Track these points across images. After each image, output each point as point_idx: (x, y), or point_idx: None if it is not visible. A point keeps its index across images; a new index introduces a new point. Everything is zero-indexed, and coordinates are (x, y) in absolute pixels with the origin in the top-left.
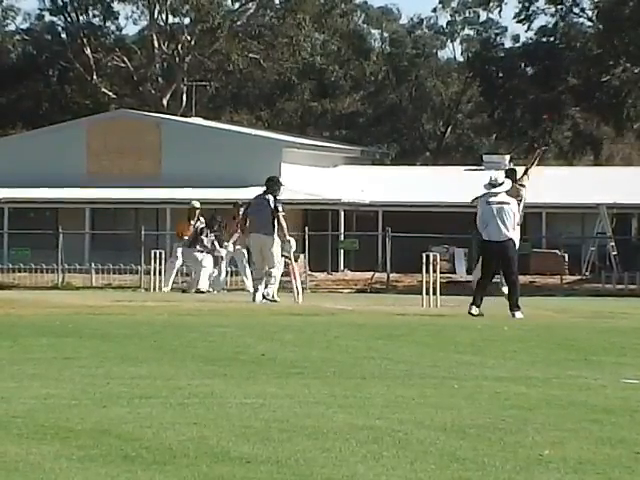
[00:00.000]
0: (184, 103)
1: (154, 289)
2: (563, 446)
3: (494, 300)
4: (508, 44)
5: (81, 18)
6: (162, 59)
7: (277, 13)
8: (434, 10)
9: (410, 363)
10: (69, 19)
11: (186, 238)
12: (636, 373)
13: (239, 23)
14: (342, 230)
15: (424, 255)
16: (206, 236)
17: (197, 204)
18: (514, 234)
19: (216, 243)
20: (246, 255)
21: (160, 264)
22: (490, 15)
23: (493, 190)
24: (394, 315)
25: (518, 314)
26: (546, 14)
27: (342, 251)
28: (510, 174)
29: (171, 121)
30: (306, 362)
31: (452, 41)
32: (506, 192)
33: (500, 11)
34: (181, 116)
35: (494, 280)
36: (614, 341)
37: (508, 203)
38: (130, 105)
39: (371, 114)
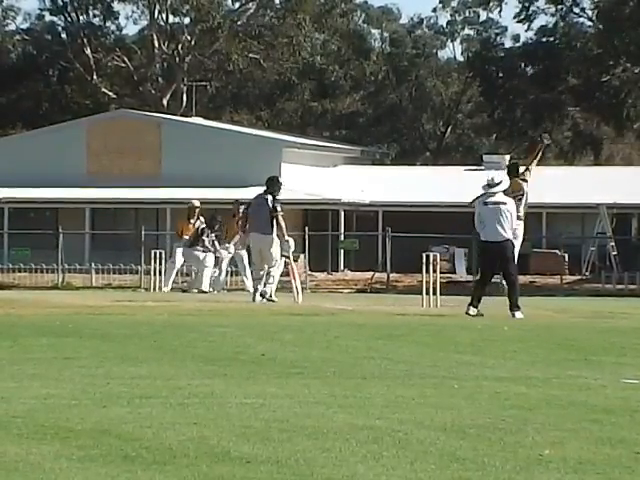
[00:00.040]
0: (184, 103)
1: (154, 289)
2: (563, 446)
3: (494, 300)
4: (508, 44)
5: (81, 18)
6: (162, 59)
7: (277, 13)
8: (434, 10)
9: (410, 363)
10: (69, 19)
11: (186, 237)
12: (636, 373)
13: (239, 23)
14: (342, 230)
15: (424, 255)
16: (207, 236)
17: (197, 203)
18: (519, 228)
19: (217, 243)
20: (246, 255)
21: (160, 264)
22: (490, 15)
23: (490, 190)
24: (394, 315)
25: (518, 314)
26: (546, 14)
27: (342, 251)
28: (512, 168)
29: (171, 121)
30: (306, 362)
31: (452, 41)
32: (509, 185)
33: (500, 11)
34: (181, 116)
35: (493, 280)
36: (614, 341)
37: (505, 203)
38: (130, 105)
39: (371, 114)
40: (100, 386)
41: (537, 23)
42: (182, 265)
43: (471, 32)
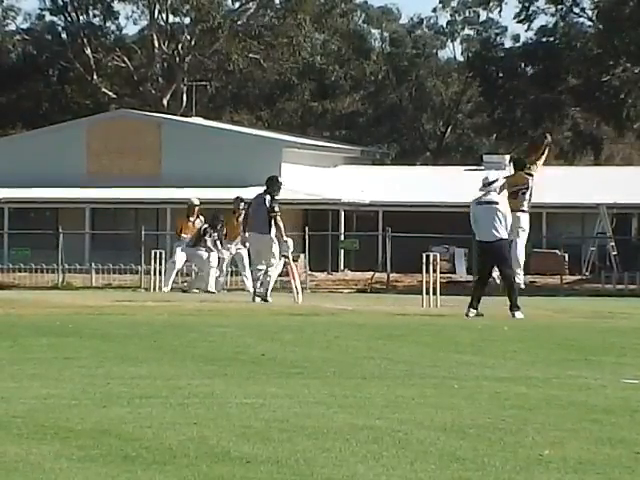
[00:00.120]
0: (184, 103)
1: (154, 289)
2: (563, 446)
3: (494, 300)
4: (508, 44)
5: (81, 18)
6: (162, 59)
7: (277, 13)
8: (434, 10)
9: (410, 363)
10: (69, 19)
11: (184, 236)
12: (636, 373)
13: (239, 23)
14: (342, 230)
15: (424, 255)
16: (209, 236)
17: (196, 201)
18: (524, 221)
19: (219, 243)
20: (246, 255)
21: (160, 264)
22: (490, 15)
23: (485, 190)
24: (394, 315)
25: (518, 314)
26: (546, 14)
27: (342, 251)
28: (517, 162)
29: (171, 121)
30: (306, 362)
31: (452, 41)
32: (514, 178)
33: (500, 11)
34: (181, 116)
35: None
36: (614, 341)
37: (497, 203)
38: (130, 105)
39: (371, 114)
40: (100, 386)
41: (537, 23)
42: (182, 265)
43: (471, 32)
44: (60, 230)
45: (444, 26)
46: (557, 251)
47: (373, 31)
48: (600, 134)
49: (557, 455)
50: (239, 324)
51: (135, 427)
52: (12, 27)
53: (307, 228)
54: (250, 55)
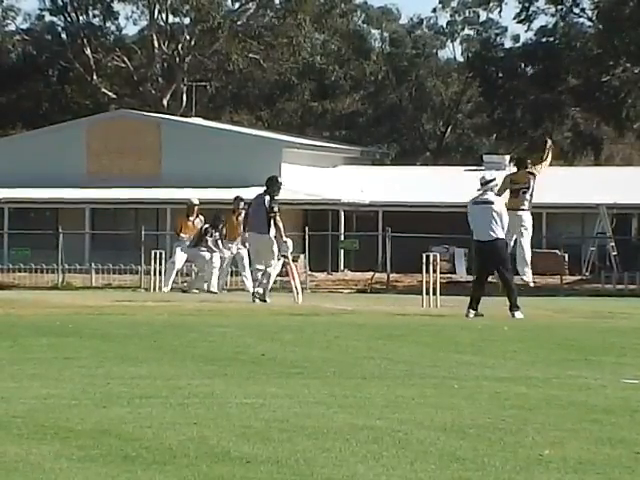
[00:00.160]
0: (184, 103)
1: (154, 289)
2: (563, 446)
3: (493, 300)
4: (508, 44)
5: (81, 18)
6: (162, 59)
7: (277, 13)
8: (434, 10)
9: (410, 363)
10: (69, 19)
11: (182, 235)
12: (636, 373)
13: (239, 23)
14: (342, 230)
15: (424, 255)
16: (210, 235)
17: (196, 200)
18: (527, 220)
19: (220, 243)
20: (247, 255)
21: (160, 264)
22: (490, 15)
23: (482, 189)
24: (394, 315)
25: (517, 314)
26: (546, 14)
27: (342, 251)
28: (520, 161)
29: (171, 121)
30: (306, 362)
31: (452, 41)
32: (516, 176)
33: (500, 11)
34: (181, 116)
35: (490, 280)
36: (614, 341)
37: (492, 202)
38: (130, 105)
39: (371, 114)
40: (100, 386)
41: (537, 23)
42: (182, 265)
43: (471, 32)
44: (60, 230)
45: (444, 26)
46: (557, 251)
47: (373, 31)
48: (600, 134)
49: (557, 455)
50: (239, 324)
51: (135, 427)
52: (12, 27)
53: (307, 228)
54: (250, 55)
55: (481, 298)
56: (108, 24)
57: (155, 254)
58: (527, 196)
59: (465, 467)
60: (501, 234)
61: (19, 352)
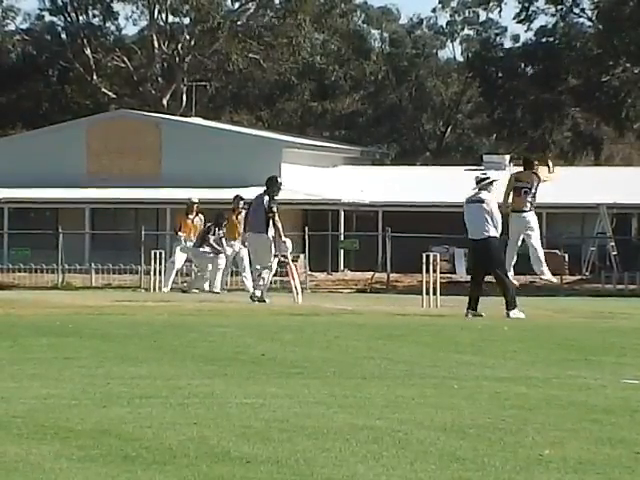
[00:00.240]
0: (184, 103)
1: (154, 289)
2: (563, 446)
3: (493, 300)
4: (508, 44)
5: (81, 18)
6: (162, 59)
7: (277, 13)
8: (434, 10)
9: (410, 363)
10: (69, 19)
11: (181, 234)
12: (636, 373)
13: (239, 23)
14: (342, 230)
15: (424, 255)
16: (213, 234)
17: (195, 199)
18: (532, 219)
19: (224, 241)
20: (247, 255)
21: (160, 264)
22: (490, 15)
23: (476, 188)
24: (394, 315)
25: (513, 313)
26: (546, 14)
27: (342, 251)
28: (527, 162)
29: (171, 121)
30: (306, 362)
31: (452, 41)
32: (517, 175)
33: (500, 11)
34: (181, 116)
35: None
36: (614, 341)
37: (483, 201)
38: (130, 105)
39: (371, 114)
40: (100, 386)
41: (537, 23)
42: (182, 265)
43: (471, 32)
44: (60, 230)
45: (444, 26)
46: (557, 251)
47: (373, 31)
48: (600, 134)
49: (557, 455)
50: (239, 324)
51: (135, 427)
52: (12, 27)
53: (307, 228)
54: (250, 55)
55: (479, 298)
56: (108, 24)
57: (155, 254)
58: (529, 197)
59: (465, 467)
60: (494, 232)
61: (19, 352)
